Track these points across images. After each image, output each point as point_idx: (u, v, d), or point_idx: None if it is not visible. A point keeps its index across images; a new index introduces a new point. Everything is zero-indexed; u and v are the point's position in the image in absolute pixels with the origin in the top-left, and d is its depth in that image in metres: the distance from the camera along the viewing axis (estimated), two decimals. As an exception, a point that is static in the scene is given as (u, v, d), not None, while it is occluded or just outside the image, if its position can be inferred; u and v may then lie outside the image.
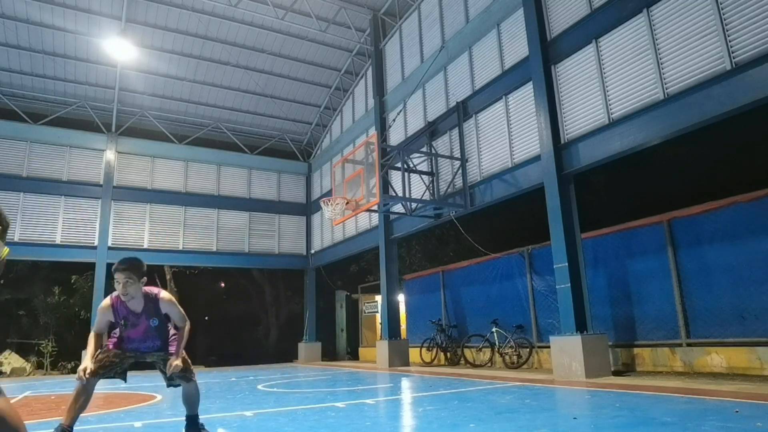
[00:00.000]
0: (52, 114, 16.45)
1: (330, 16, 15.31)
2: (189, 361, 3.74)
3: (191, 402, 3.82)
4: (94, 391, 3.53)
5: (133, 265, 3.46)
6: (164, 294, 3.67)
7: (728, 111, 6.54)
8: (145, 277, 3.55)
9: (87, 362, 3.35)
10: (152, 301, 3.58)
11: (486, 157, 10.77)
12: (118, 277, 3.41)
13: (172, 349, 3.68)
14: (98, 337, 3.56)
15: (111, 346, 3.62)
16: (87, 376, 3.31)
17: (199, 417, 3.92)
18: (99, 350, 3.53)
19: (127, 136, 17.17)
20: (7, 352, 16.27)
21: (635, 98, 7.77)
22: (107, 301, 3.58)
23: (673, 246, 8.20)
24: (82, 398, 3.41)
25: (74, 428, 3.42)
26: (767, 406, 4.37)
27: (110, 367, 3.54)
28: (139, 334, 3.63)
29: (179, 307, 3.70)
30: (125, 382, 3.74)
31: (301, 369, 14.25)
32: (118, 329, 3.66)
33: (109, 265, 15.68)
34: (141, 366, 3.87)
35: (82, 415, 3.51)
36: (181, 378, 3.67)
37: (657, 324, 8.28)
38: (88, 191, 16.16)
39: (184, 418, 3.86)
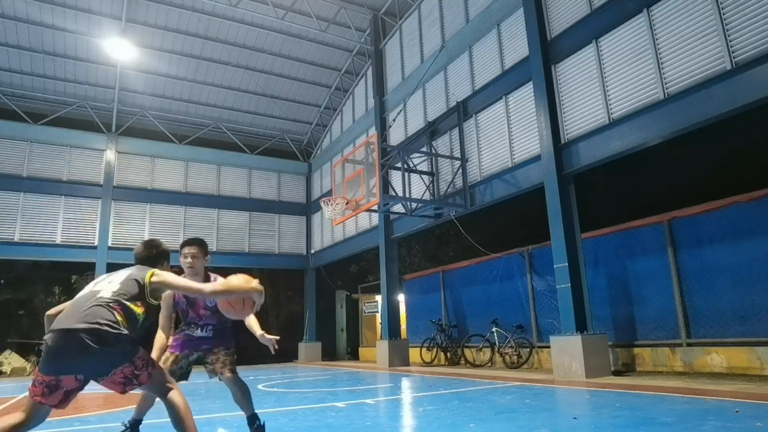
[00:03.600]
0: (52, 114, 16.45)
1: (330, 16, 15.31)
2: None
3: (247, 398, 3.71)
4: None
5: (201, 242, 3.81)
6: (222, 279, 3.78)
7: (728, 111, 6.54)
8: (209, 257, 3.81)
9: None
10: (212, 281, 3.72)
11: (486, 157, 10.76)
12: (188, 250, 3.66)
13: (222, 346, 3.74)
14: (164, 336, 3.63)
15: (171, 351, 3.66)
16: None
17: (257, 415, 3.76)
18: (163, 351, 3.61)
19: (127, 136, 17.17)
20: (7, 352, 16.28)
21: (635, 98, 7.77)
22: None
23: (673, 246, 8.20)
24: (151, 400, 3.54)
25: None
26: (767, 406, 4.37)
27: (173, 374, 3.57)
28: (197, 311, 3.73)
29: None
30: (186, 380, 3.75)
31: (301, 369, 14.25)
32: (180, 327, 3.75)
33: (109, 265, 15.69)
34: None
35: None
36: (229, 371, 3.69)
37: (657, 324, 8.28)
38: (88, 191, 16.16)
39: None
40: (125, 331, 2.54)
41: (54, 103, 16.66)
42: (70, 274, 17.81)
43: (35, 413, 2.50)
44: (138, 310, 2.66)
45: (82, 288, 2.81)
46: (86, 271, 17.06)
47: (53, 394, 2.46)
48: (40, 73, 15.84)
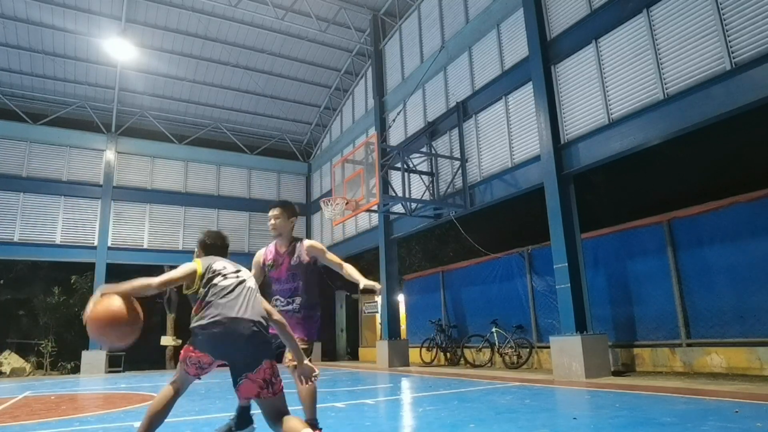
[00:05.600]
0: (52, 114, 16.45)
1: (330, 16, 15.31)
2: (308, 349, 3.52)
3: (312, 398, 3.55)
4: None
5: (282, 204, 3.79)
6: (308, 240, 3.83)
7: (728, 111, 6.54)
8: (295, 218, 3.78)
9: None
10: (297, 243, 3.74)
11: (486, 157, 10.76)
12: (270, 214, 3.71)
13: (298, 334, 3.45)
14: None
15: None
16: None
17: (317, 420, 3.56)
18: None
19: (127, 136, 17.18)
20: (7, 352, 16.27)
21: (635, 98, 7.77)
22: (260, 251, 3.84)
23: (673, 246, 8.20)
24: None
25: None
26: (767, 406, 4.37)
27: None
28: (282, 273, 3.69)
29: (328, 252, 3.78)
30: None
31: (301, 369, 14.23)
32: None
33: (109, 265, 15.70)
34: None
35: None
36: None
37: (657, 324, 8.28)
38: (88, 191, 16.16)
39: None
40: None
41: (54, 103, 16.66)
42: (69, 274, 17.80)
43: (184, 384, 2.81)
44: None
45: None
46: (86, 271, 17.06)
47: (202, 371, 2.78)
48: (40, 73, 15.83)
